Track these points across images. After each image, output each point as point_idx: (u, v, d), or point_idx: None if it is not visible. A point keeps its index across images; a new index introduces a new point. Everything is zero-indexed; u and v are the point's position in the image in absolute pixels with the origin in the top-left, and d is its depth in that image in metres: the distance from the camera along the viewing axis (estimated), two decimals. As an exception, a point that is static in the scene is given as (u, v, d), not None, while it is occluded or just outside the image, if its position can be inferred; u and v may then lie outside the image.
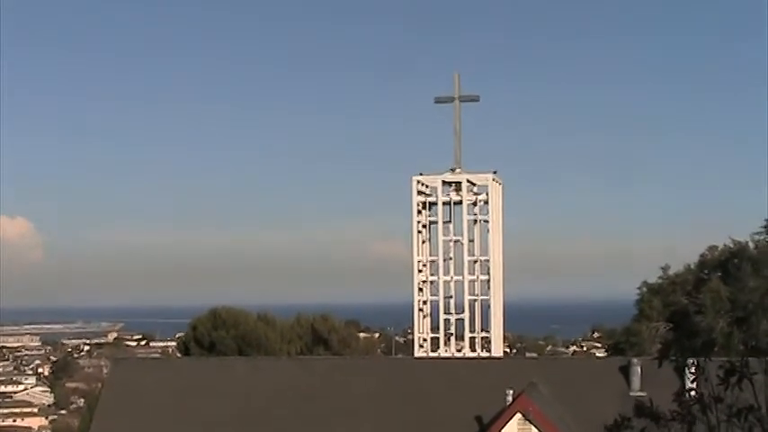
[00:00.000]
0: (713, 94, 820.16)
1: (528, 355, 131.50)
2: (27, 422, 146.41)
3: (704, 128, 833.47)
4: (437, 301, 50.80)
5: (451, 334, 50.94)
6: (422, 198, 51.29)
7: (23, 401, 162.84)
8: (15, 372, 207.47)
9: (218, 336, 68.48)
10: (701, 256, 63.28)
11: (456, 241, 51.08)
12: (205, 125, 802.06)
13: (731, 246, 61.38)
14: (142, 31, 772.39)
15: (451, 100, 52.23)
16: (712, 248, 62.81)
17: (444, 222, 51.27)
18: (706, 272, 61.49)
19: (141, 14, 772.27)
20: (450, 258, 51.06)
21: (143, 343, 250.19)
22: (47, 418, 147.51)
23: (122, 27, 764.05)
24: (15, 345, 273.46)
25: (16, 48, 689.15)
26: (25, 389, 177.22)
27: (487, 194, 50.88)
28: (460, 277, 50.59)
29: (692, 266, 63.25)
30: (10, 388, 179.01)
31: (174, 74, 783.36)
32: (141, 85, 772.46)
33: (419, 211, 51.20)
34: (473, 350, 50.16)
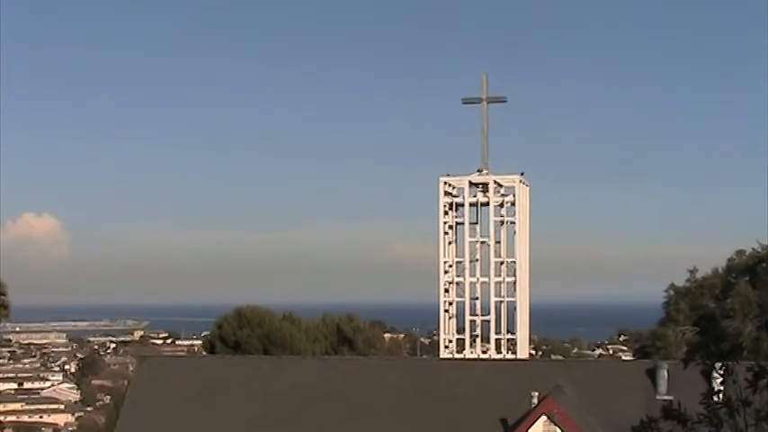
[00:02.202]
0: (742, 98, 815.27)
1: (553, 357, 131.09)
2: (53, 419, 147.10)
3: (734, 132, 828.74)
4: (463, 303, 50.73)
5: (477, 335, 50.85)
6: (448, 199, 51.23)
7: (50, 398, 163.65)
8: (42, 368, 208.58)
9: (243, 335, 68.60)
10: (729, 260, 62.89)
11: (482, 242, 51.00)
12: (233, 126, 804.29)
13: (759, 250, 60.98)
14: (169, 30, 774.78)
15: (479, 101, 52.17)
16: (740, 253, 62.43)
17: (471, 223, 51.20)
18: (734, 276, 61.12)
19: (164, 14, 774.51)
20: (477, 260, 50.99)
21: (169, 341, 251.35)
22: (73, 414, 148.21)
23: (148, 27, 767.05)
24: (42, 341, 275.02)
25: (43, 47, 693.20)
26: (52, 385, 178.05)
27: (514, 196, 50.77)
28: (486, 279, 50.51)
29: (720, 270, 62.88)
30: (37, 384, 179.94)
31: (204, 74, 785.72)
32: (170, 85, 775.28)
33: (446, 212, 51.14)
34: (498, 352, 50.06)
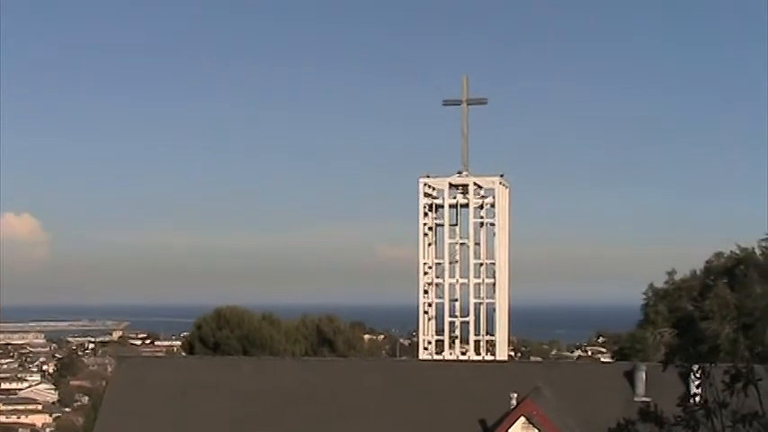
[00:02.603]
0: (723, 101, 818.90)
1: (532, 359, 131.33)
2: (31, 419, 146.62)
3: (712, 133, 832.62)
4: (442, 304, 50.80)
5: (456, 337, 50.92)
6: (428, 200, 51.28)
7: (28, 398, 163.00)
8: (20, 369, 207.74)
9: (222, 335, 68.53)
10: (707, 262, 63.16)
11: (462, 244, 51.08)
12: (212, 126, 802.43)
13: (737, 252, 61.28)
14: (150, 31, 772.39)
15: (459, 102, 52.26)
16: (718, 255, 62.69)
17: (451, 225, 51.27)
18: (712, 278, 61.37)
19: (154, 14, 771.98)
20: (456, 261, 51.06)
21: (148, 342, 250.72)
22: (51, 415, 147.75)
23: (132, 26, 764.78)
24: (20, 342, 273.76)
25: (23, 46, 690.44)
26: (30, 386, 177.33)
27: (494, 197, 50.86)
28: (466, 280, 50.58)
29: (698, 272, 63.14)
30: (14, 385, 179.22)
31: (183, 75, 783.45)
32: (152, 85, 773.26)
33: (426, 214, 51.20)
34: (478, 353, 50.15)
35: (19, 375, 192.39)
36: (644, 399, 37.93)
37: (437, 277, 50.96)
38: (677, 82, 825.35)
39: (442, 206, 51.17)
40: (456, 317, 50.73)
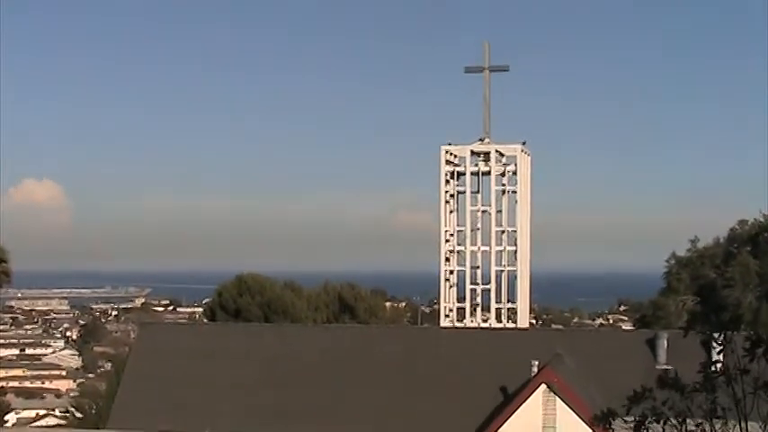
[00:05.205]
0: (750, 66, 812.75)
1: (554, 326, 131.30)
2: (55, 384, 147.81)
3: (739, 100, 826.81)
4: (464, 272, 50.78)
5: (477, 304, 50.91)
6: (450, 168, 51.18)
7: (52, 364, 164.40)
8: (44, 335, 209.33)
9: (243, 302, 68.70)
10: (731, 230, 62.95)
11: (484, 211, 51.00)
12: (234, 93, 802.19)
13: (762, 220, 61.02)
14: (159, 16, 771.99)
15: (481, 70, 52.02)
16: (742, 222, 62.47)
17: (472, 192, 51.18)
18: (735, 246, 61.17)
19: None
20: (478, 228, 50.99)
21: (170, 308, 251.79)
22: (75, 381, 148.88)
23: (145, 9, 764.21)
24: (44, 308, 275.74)
25: (51, 13, 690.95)
26: (54, 352, 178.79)
27: (516, 165, 50.72)
28: (487, 248, 50.52)
29: (722, 240, 62.93)
30: (39, 351, 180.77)
31: (206, 43, 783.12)
32: (174, 53, 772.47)
33: (447, 181, 51.11)
34: (499, 321, 50.14)
35: (43, 341, 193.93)
36: (665, 366, 37.90)
37: (459, 245, 50.93)
38: (705, 46, 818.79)
39: (464, 173, 51.06)
40: (477, 284, 50.71)
